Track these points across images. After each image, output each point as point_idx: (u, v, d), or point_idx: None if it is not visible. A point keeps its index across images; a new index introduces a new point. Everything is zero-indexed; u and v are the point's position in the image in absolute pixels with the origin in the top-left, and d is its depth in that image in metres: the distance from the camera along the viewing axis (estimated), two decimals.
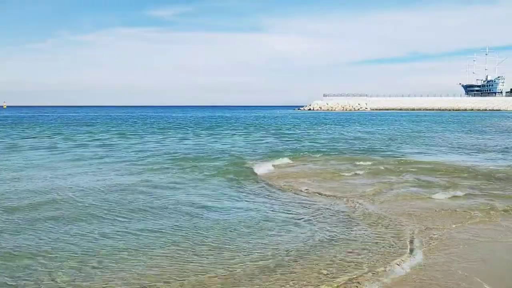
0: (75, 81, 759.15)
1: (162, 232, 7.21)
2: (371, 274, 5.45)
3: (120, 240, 6.77)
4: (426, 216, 8.28)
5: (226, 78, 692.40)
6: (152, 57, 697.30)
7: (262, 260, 5.95)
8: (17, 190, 10.47)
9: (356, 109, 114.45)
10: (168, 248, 6.45)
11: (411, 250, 6.32)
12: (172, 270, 5.61)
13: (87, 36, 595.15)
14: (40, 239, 6.76)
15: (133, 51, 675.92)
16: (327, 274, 5.48)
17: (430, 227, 7.52)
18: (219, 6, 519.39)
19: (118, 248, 6.41)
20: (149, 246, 6.51)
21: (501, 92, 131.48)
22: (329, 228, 7.45)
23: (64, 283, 5.23)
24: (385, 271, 5.56)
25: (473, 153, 19.04)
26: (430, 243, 6.63)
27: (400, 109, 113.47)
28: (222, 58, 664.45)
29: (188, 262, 5.89)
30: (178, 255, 6.15)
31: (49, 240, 6.75)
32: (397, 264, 5.76)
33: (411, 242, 6.69)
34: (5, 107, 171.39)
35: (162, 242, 6.68)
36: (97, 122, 52.60)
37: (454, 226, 7.60)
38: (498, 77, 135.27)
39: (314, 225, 7.64)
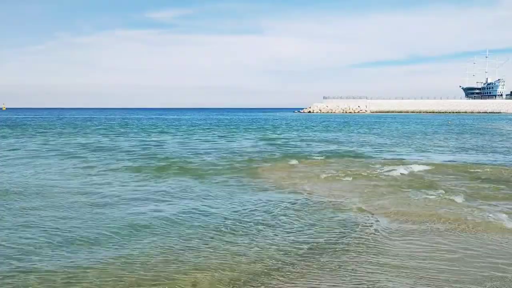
0: (75, 83, 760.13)
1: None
2: None
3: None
4: None
5: (227, 80, 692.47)
6: (152, 59, 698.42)
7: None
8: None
9: (356, 111, 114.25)
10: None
11: None
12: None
13: (87, 38, 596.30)
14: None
15: (133, 53, 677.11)
16: None
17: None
18: (219, 9, 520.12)
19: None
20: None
21: (501, 95, 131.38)
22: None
23: None
24: None
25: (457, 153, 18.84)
26: None
27: (400, 112, 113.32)
28: (222, 60, 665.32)
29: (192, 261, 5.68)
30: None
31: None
32: None
33: None
34: (5, 108, 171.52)
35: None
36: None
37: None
38: (498, 79, 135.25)
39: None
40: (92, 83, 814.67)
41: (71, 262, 6.03)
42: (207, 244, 6.83)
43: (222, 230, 7.58)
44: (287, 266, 5.95)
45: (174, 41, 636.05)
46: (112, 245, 6.76)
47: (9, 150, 21.16)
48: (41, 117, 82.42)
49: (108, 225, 7.83)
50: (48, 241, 6.91)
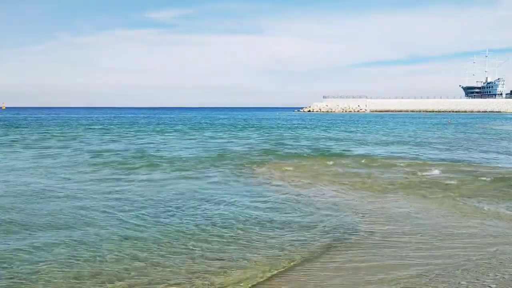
0: (75, 83, 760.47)
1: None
2: None
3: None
4: None
5: (227, 80, 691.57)
6: (152, 59, 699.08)
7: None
8: None
9: (356, 110, 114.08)
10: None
11: None
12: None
13: (87, 38, 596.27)
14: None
15: (133, 53, 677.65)
16: None
17: None
18: (219, 9, 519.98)
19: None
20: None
21: (501, 94, 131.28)
22: None
23: None
24: None
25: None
26: None
27: (400, 111, 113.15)
28: (222, 60, 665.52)
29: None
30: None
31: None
32: None
33: None
34: (4, 108, 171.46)
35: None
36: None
37: None
38: (498, 79, 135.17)
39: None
40: (92, 83, 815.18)
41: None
42: (205, 242, 6.71)
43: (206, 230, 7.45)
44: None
45: (174, 41, 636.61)
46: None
47: None
48: (39, 117, 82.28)
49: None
50: None
